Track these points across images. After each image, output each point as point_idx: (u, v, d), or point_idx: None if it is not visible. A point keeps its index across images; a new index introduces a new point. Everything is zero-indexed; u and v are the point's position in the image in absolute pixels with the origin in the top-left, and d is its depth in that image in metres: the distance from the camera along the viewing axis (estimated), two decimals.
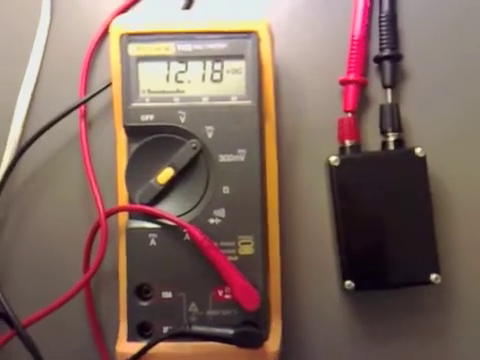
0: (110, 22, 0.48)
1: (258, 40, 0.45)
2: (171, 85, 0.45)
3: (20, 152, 0.49)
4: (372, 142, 0.50)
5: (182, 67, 0.45)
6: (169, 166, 0.45)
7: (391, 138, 0.48)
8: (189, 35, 0.45)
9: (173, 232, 0.44)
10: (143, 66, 0.45)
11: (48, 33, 0.53)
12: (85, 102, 0.50)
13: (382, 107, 0.49)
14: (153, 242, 0.45)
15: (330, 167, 0.47)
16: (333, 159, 0.47)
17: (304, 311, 0.50)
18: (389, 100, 0.50)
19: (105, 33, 0.52)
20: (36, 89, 0.52)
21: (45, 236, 0.51)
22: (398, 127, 0.49)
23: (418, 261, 0.47)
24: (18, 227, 0.51)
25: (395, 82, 0.50)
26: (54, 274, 0.50)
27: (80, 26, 0.53)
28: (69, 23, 0.53)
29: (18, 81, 0.52)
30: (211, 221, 0.45)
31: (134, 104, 0.45)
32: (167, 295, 0.44)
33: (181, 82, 0.45)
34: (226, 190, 0.45)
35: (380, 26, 0.50)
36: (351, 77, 0.50)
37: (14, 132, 0.51)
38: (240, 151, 0.45)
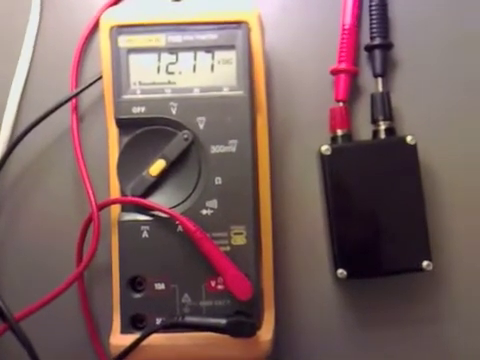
0: (100, 15, 0.47)
1: (248, 30, 0.45)
2: (162, 76, 0.46)
3: (12, 146, 0.49)
4: (363, 131, 0.50)
5: (173, 58, 0.46)
6: (161, 158, 0.45)
7: (382, 127, 0.48)
8: (179, 26, 0.45)
9: (165, 224, 0.44)
10: (134, 58, 0.45)
11: (38, 27, 0.53)
12: (76, 95, 0.50)
13: (373, 96, 0.49)
14: (145, 234, 0.45)
15: (322, 156, 0.47)
16: (324, 148, 0.47)
17: (297, 300, 0.50)
18: (380, 89, 0.50)
19: (96, 26, 0.51)
20: (27, 83, 0.52)
21: (38, 230, 0.51)
22: (389, 116, 0.49)
23: (410, 248, 0.47)
24: (11, 221, 0.51)
25: (386, 71, 0.50)
26: (47, 268, 0.50)
27: (70, 19, 0.53)
28: (59, 17, 0.53)
29: (9, 75, 0.52)
30: (203, 212, 0.45)
31: (125, 96, 0.45)
32: (160, 287, 0.44)
33: (172, 73, 0.45)
34: (218, 181, 0.45)
35: (370, 15, 0.50)
36: (342, 66, 0.50)
37: (6, 126, 0.51)
38: (232, 142, 0.45)
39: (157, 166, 0.45)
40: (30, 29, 0.52)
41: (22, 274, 0.50)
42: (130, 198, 0.45)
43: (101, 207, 0.46)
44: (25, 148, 0.50)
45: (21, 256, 0.51)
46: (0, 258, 0.51)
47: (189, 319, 0.43)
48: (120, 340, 0.44)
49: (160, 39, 0.45)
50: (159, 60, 0.46)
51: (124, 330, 0.45)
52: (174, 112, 0.45)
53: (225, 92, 0.45)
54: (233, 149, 0.45)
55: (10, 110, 0.51)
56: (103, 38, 0.46)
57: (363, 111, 0.50)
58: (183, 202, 0.45)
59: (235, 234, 0.44)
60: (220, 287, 0.44)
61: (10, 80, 0.52)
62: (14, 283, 0.50)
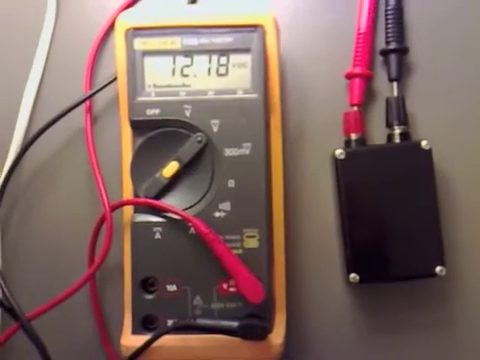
0: (116, 17, 0.48)
1: (264, 34, 0.45)
2: (177, 79, 0.46)
3: (26, 146, 0.49)
4: (377, 135, 0.50)
5: (188, 61, 0.46)
6: (174, 160, 0.45)
7: (397, 131, 0.48)
8: (195, 29, 0.46)
9: (178, 226, 0.45)
10: (149, 60, 0.46)
11: (54, 28, 0.53)
12: (90, 97, 0.50)
13: (388, 100, 0.49)
14: (158, 236, 0.45)
15: (335, 160, 0.47)
16: (338, 152, 0.47)
17: (309, 304, 0.50)
18: (395, 93, 0.49)
19: (111, 28, 0.52)
20: (42, 84, 0.52)
21: (50, 230, 0.51)
22: (404, 120, 0.48)
23: (423, 253, 0.46)
24: (24, 221, 0.51)
25: (401, 75, 0.50)
26: (60, 268, 0.50)
27: (86, 21, 0.53)
28: (75, 18, 0.53)
29: (24, 76, 0.52)
30: (216, 214, 0.45)
31: (140, 98, 0.45)
32: (172, 288, 0.45)
33: (187, 76, 0.46)
34: (231, 184, 0.45)
35: (386, 19, 0.50)
36: (357, 70, 0.50)
37: (20, 127, 0.51)
38: (245, 145, 0.45)
39: (170, 168, 0.45)
40: (45, 30, 0.52)
41: (34, 274, 0.51)
42: (143, 199, 0.45)
43: (114, 208, 0.46)
44: (39, 149, 0.50)
45: (33, 256, 0.51)
46: (13, 257, 0.51)
47: (201, 321, 0.43)
48: (131, 341, 0.45)
49: (175, 42, 0.46)
50: (174, 63, 0.46)
51: (135, 331, 0.45)
52: (188, 114, 0.45)
53: (239, 95, 0.45)
54: (247, 152, 0.45)
55: (25, 111, 0.51)
56: (118, 40, 0.46)
57: (377, 115, 0.50)
58: (196, 204, 0.45)
59: (248, 237, 0.44)
60: (232, 290, 0.44)
61: (25, 81, 0.52)
62: (26, 283, 0.50)
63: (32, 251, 0.51)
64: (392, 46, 0.50)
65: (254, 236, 0.44)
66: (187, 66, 0.46)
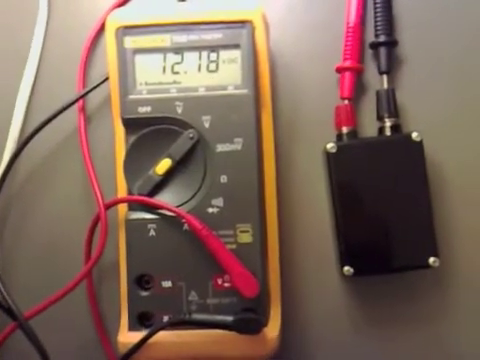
0: (107, 16, 0.48)
1: (253, 29, 0.45)
2: (167, 76, 0.46)
3: (21, 146, 0.50)
4: (369, 128, 0.50)
5: (178, 58, 0.46)
6: (167, 157, 0.45)
7: (388, 124, 0.48)
8: (184, 26, 0.46)
9: (172, 222, 0.45)
10: (139, 58, 0.46)
11: (46, 29, 0.53)
12: (84, 96, 0.51)
13: (378, 93, 0.49)
14: (152, 233, 0.45)
15: (327, 154, 0.47)
16: (330, 146, 0.47)
17: (303, 297, 0.50)
18: (385, 86, 0.50)
19: (102, 28, 0.52)
20: (35, 84, 0.53)
21: (46, 229, 0.51)
22: (394, 113, 0.49)
23: (416, 245, 0.47)
24: (19, 220, 0.51)
25: (391, 68, 0.50)
26: (56, 267, 0.50)
27: (78, 21, 0.53)
28: (67, 18, 0.53)
29: (18, 77, 0.52)
30: (209, 210, 0.45)
31: (131, 96, 0.45)
32: (167, 284, 0.45)
33: (177, 73, 0.46)
34: (224, 179, 0.45)
35: (375, 12, 0.50)
36: (347, 64, 0.50)
37: (14, 127, 0.51)
38: (237, 140, 0.45)
39: (163, 165, 0.45)
40: (38, 31, 0.53)
41: (31, 273, 0.51)
42: (137, 197, 0.45)
43: (108, 206, 0.46)
44: (34, 148, 0.50)
45: (30, 255, 0.51)
46: (9, 257, 0.51)
47: (196, 316, 0.43)
48: (128, 337, 0.45)
49: (165, 39, 0.46)
50: (165, 60, 0.46)
51: (132, 328, 0.45)
52: (180, 111, 0.45)
53: (230, 91, 0.45)
54: (238, 147, 0.45)
55: (19, 111, 0.52)
56: (109, 39, 0.47)
57: (368, 108, 0.50)
58: (189, 200, 0.45)
59: (241, 232, 0.45)
60: (227, 285, 0.45)
61: (18, 81, 0.52)
62: (23, 282, 0.51)
63: (28, 251, 0.51)
64: (381, 39, 0.50)
65: (247, 231, 0.45)
66: (177, 63, 0.46)
